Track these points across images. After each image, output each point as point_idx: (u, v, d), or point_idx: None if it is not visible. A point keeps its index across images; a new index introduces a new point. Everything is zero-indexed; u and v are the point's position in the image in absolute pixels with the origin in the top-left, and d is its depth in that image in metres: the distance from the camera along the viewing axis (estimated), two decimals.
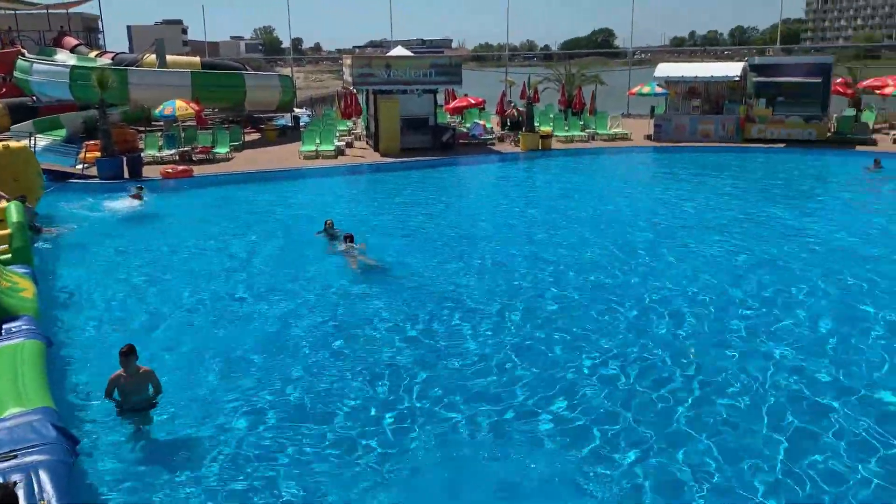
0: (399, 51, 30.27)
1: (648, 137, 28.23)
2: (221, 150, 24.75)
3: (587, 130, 29.48)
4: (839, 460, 6.43)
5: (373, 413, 7.45)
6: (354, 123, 31.05)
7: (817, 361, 8.36)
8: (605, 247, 13.52)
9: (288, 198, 19.11)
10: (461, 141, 27.47)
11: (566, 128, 29.71)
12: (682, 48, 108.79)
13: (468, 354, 8.78)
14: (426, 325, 9.75)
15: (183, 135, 25.19)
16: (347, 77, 27.68)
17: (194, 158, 23.63)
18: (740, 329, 9.40)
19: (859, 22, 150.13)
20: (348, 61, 27.79)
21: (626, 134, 28.87)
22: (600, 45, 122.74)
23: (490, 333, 9.44)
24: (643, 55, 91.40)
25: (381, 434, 7.04)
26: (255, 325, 9.88)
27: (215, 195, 19.22)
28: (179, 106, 24.41)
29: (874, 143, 25.95)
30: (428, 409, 7.47)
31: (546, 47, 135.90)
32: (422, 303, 10.56)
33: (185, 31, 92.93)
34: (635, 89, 34.79)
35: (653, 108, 30.61)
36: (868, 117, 28.87)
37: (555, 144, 27.16)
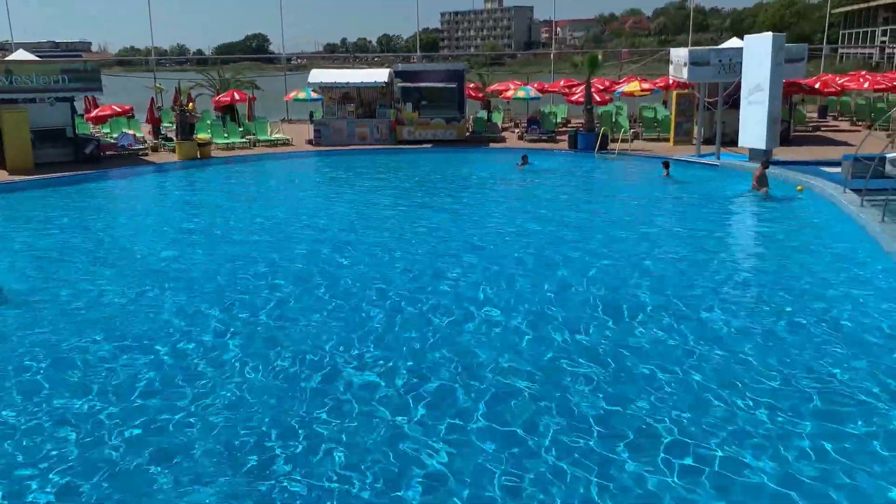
0: (21, 55, 26.71)
1: (310, 142, 28.80)
2: None
3: (248, 137, 29.10)
4: None
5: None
6: None
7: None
8: (272, 257, 13.47)
9: None
10: (108, 153, 25.26)
11: (225, 135, 29.00)
12: (335, 54, 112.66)
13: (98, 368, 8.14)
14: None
15: None
16: None
17: None
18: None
19: (485, 33, 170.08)
20: None
21: (288, 139, 29.12)
22: (255, 50, 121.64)
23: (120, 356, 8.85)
24: (299, 61, 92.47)
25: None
26: None
27: None
28: None
29: (504, 139, 29.64)
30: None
31: (199, 52, 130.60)
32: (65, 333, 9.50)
33: None
34: (292, 94, 35.24)
35: (311, 114, 31.31)
36: (497, 118, 32.91)
37: (215, 152, 26.36)
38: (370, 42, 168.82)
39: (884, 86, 32.66)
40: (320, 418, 7.25)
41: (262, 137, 29.16)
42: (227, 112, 32.10)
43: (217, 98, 33.46)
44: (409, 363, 8.46)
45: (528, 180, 21.40)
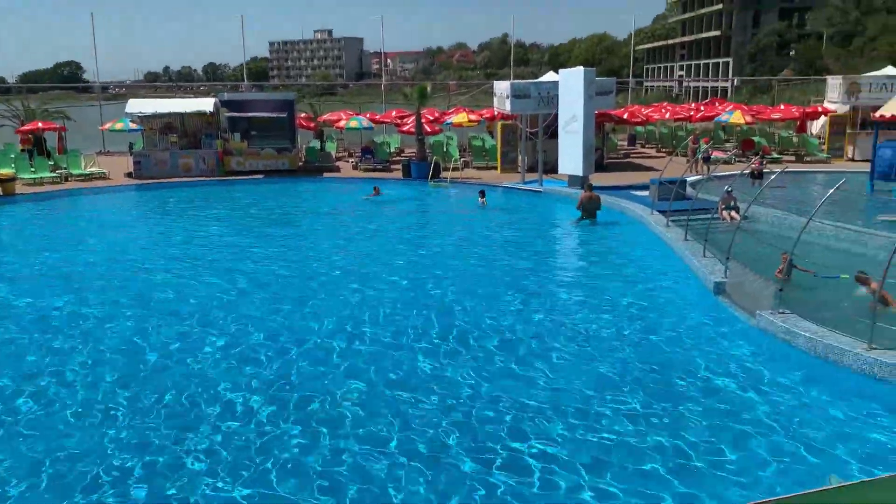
0: None
1: (129, 175, 27.13)
2: None
3: (59, 171, 26.93)
4: None
5: None
6: None
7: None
8: (81, 299, 12.49)
9: None
10: None
11: (32, 169, 26.66)
12: (157, 83, 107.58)
13: None
14: None
15: None
16: None
17: None
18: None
19: (315, 63, 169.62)
20: None
21: (104, 173, 27.25)
22: (67, 78, 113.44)
23: None
24: (117, 89, 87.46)
25: None
26: None
27: None
28: None
29: (338, 169, 29.54)
30: None
31: (1, 80, 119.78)
32: None
33: None
34: (108, 125, 33.17)
35: (131, 145, 29.53)
36: (330, 147, 32.78)
37: (20, 188, 24.15)
38: (195, 71, 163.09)
39: (682, 116, 36.10)
40: None
41: (75, 171, 27.08)
42: (35, 145, 29.53)
43: (19, 129, 30.74)
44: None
45: (369, 210, 21.44)
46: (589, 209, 18.29)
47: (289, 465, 6.91)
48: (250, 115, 28.62)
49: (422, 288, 12.91)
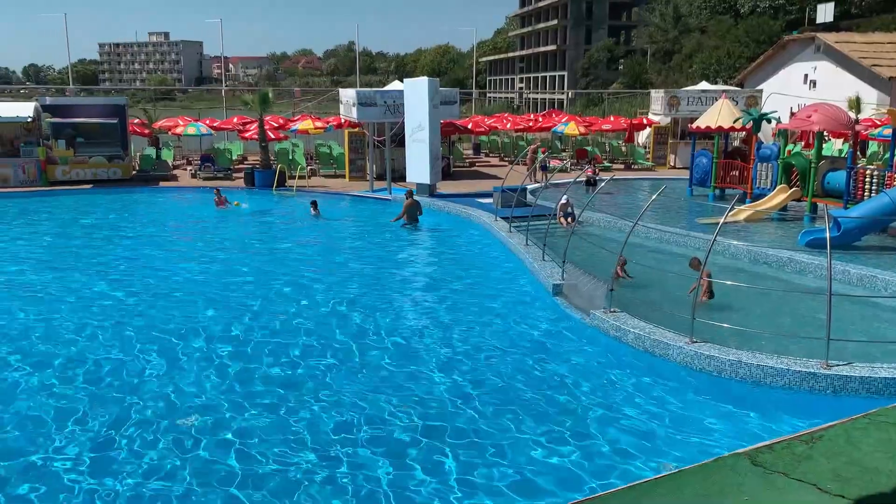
0: None
1: None
2: None
3: None
4: None
5: None
6: None
7: None
8: None
9: None
10: None
11: None
12: None
13: None
14: None
15: None
16: None
17: None
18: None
19: (151, 66, 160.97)
20: None
21: None
22: None
23: None
24: None
25: None
26: None
27: None
28: None
29: (175, 178, 28.15)
30: None
31: None
32: None
33: None
34: None
35: None
36: (167, 155, 31.17)
37: None
38: (14, 72, 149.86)
39: (523, 126, 37.64)
40: None
41: None
42: None
43: None
44: None
45: (198, 220, 20.56)
46: (411, 214, 19.06)
47: None
48: (76, 120, 26.65)
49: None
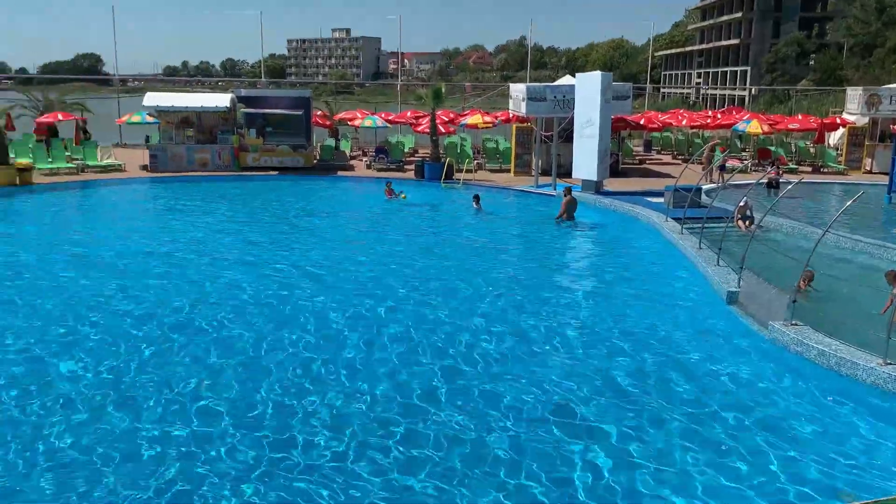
0: None
1: (145, 168, 27.26)
2: None
3: (75, 162, 27.12)
4: None
5: None
6: None
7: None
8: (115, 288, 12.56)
9: None
10: None
11: (50, 160, 26.87)
12: (175, 77, 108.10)
13: None
14: None
15: None
16: None
17: None
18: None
19: (333, 61, 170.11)
20: None
21: (120, 165, 27.41)
22: (87, 70, 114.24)
23: None
24: (136, 83, 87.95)
25: None
26: None
27: None
28: None
29: (352, 168, 29.58)
30: None
31: (22, 70, 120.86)
32: None
33: None
34: (125, 118, 33.36)
35: (147, 138, 29.69)
36: (345, 146, 32.84)
37: (37, 178, 24.32)
38: (213, 66, 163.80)
39: (699, 123, 35.89)
40: None
41: (91, 163, 27.27)
42: (52, 135, 29.76)
43: (39, 119, 31.00)
44: None
45: (372, 210, 21.43)
46: (569, 210, 18.83)
47: None
48: (266, 111, 28.69)
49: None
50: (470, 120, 31.58)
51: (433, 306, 11.75)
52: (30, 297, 11.87)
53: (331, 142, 32.61)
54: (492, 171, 29.20)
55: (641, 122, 33.29)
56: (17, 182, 23.20)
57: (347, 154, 31.78)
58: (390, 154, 30.02)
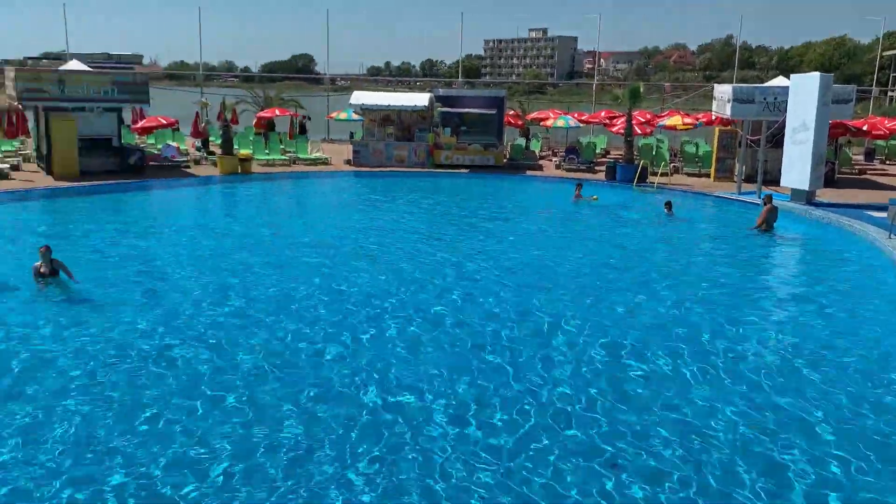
0: (75, 65, 27.42)
1: (348, 162, 29.02)
2: None
3: (288, 154, 29.46)
4: None
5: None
6: (23, 143, 27.54)
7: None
8: (325, 272, 13.53)
9: None
10: (152, 163, 25.74)
11: (266, 151, 29.41)
12: (378, 77, 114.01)
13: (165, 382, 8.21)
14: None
15: None
16: (11, 92, 24.39)
17: None
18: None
19: (527, 61, 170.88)
20: (11, 74, 24.49)
21: (327, 158, 29.39)
22: (301, 69, 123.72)
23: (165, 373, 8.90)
24: (343, 82, 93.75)
25: None
26: None
27: None
28: None
29: (541, 168, 29.54)
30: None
31: (246, 69, 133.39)
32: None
33: None
34: (333, 114, 35.68)
35: (352, 134, 31.57)
36: (535, 146, 32.89)
37: (255, 168, 26.71)
38: (413, 66, 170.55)
39: None
40: None
41: (301, 155, 29.50)
42: (270, 129, 32.58)
43: (259, 114, 34.04)
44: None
45: (565, 210, 21.22)
46: (769, 220, 17.50)
47: None
48: (462, 110, 29.42)
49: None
50: (669, 121, 30.34)
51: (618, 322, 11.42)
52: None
53: (521, 141, 32.79)
54: (689, 174, 27.86)
55: (864, 128, 30.17)
56: (238, 171, 25.61)
57: (537, 154, 31.79)
58: (581, 154, 29.61)
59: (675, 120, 30.14)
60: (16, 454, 6.81)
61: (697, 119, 31.34)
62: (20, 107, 25.13)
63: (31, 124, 26.72)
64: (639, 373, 9.09)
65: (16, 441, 7.03)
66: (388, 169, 27.92)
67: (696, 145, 30.43)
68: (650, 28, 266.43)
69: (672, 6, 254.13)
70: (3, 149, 26.18)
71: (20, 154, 26.17)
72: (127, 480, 6.44)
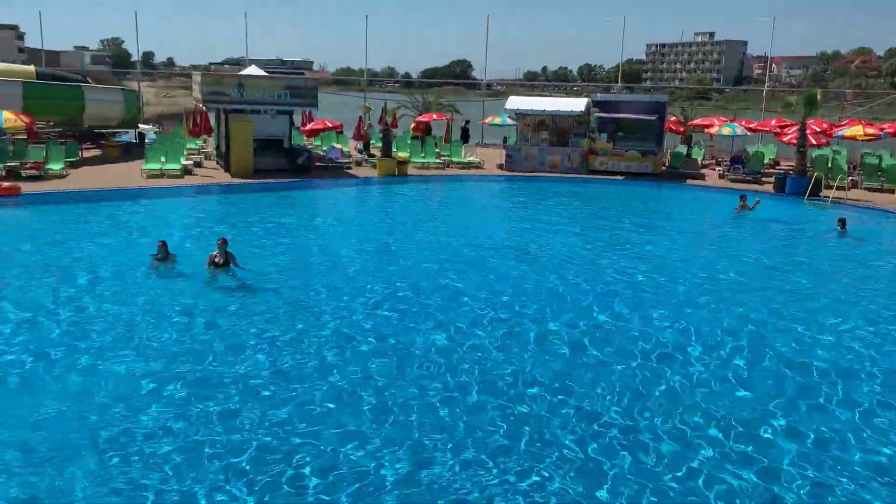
0: (252, 70, 29.56)
1: (500, 166, 29.18)
2: (55, 166, 23.04)
3: (442, 158, 30.08)
4: None
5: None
6: (205, 142, 30.00)
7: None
8: (478, 271, 13.75)
9: (126, 218, 18.08)
10: (317, 164, 27.18)
11: (422, 155, 30.19)
12: (535, 82, 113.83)
13: (334, 370, 8.68)
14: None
15: (11, 148, 23.32)
16: (197, 94, 26.70)
17: (24, 175, 21.85)
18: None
19: (692, 66, 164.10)
20: (198, 78, 26.80)
21: (480, 162, 29.71)
22: (458, 75, 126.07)
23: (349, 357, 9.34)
24: (499, 87, 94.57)
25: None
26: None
27: (47, 215, 17.87)
28: (7, 118, 22.64)
29: (703, 177, 28.23)
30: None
31: (406, 75, 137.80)
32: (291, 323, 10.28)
33: (20, 38, 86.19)
34: (488, 119, 36.06)
35: (505, 139, 31.76)
36: (697, 154, 31.46)
37: (411, 171, 27.49)
38: (570, 71, 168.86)
39: None
40: None
41: (455, 159, 30.01)
42: (427, 133, 33.42)
43: (417, 118, 35.00)
44: None
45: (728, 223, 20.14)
46: None
47: None
48: (620, 116, 28.72)
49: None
50: (848, 131, 28.01)
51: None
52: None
53: (682, 148, 31.49)
54: (870, 189, 25.58)
55: None
56: (396, 172, 26.45)
57: (699, 162, 30.40)
58: (747, 164, 27.98)
59: (856, 130, 27.77)
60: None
61: (882, 129, 28.69)
62: (204, 108, 27.43)
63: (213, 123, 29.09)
64: None
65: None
66: (540, 174, 27.76)
67: (880, 157, 27.83)
68: (829, 31, 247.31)
69: (855, 7, 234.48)
70: (188, 147, 28.64)
71: (202, 152, 28.54)
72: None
